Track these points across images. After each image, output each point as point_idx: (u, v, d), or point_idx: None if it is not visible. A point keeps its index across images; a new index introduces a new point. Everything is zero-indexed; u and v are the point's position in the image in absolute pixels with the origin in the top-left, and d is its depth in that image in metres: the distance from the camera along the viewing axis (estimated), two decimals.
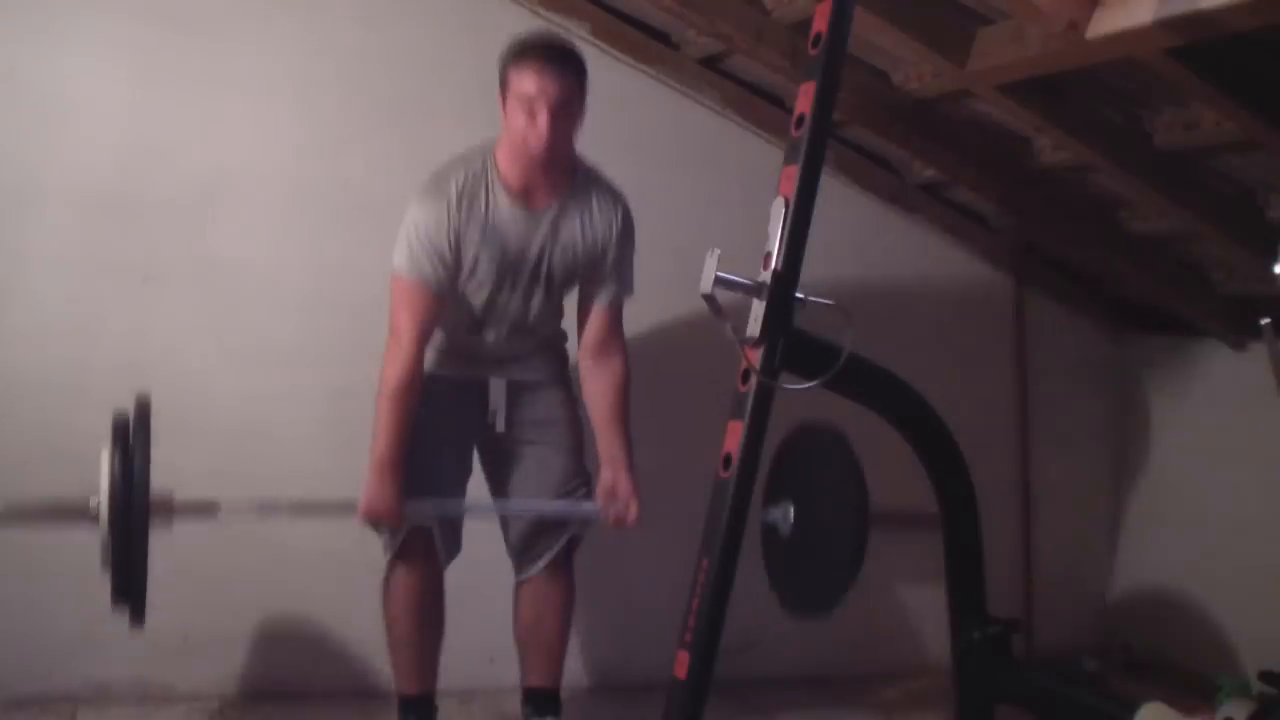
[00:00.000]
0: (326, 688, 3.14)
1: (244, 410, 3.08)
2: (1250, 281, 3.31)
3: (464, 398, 2.69)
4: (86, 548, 2.90)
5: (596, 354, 2.69)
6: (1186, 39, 2.16)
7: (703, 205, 3.39)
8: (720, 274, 1.78)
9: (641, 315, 2.94)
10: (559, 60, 2.47)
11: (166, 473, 2.98)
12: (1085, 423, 3.97)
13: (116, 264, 3.00)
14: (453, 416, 2.68)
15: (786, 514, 2.59)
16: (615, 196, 2.67)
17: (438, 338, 2.68)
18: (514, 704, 2.91)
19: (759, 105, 3.44)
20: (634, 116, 3.37)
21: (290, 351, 3.12)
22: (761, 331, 1.83)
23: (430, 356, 2.66)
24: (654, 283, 3.10)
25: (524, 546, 2.73)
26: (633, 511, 2.65)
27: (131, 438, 2.21)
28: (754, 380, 1.87)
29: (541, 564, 2.72)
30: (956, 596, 2.31)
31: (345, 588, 3.15)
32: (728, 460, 1.88)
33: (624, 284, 2.70)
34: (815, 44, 1.89)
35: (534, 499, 2.70)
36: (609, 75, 3.33)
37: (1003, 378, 3.87)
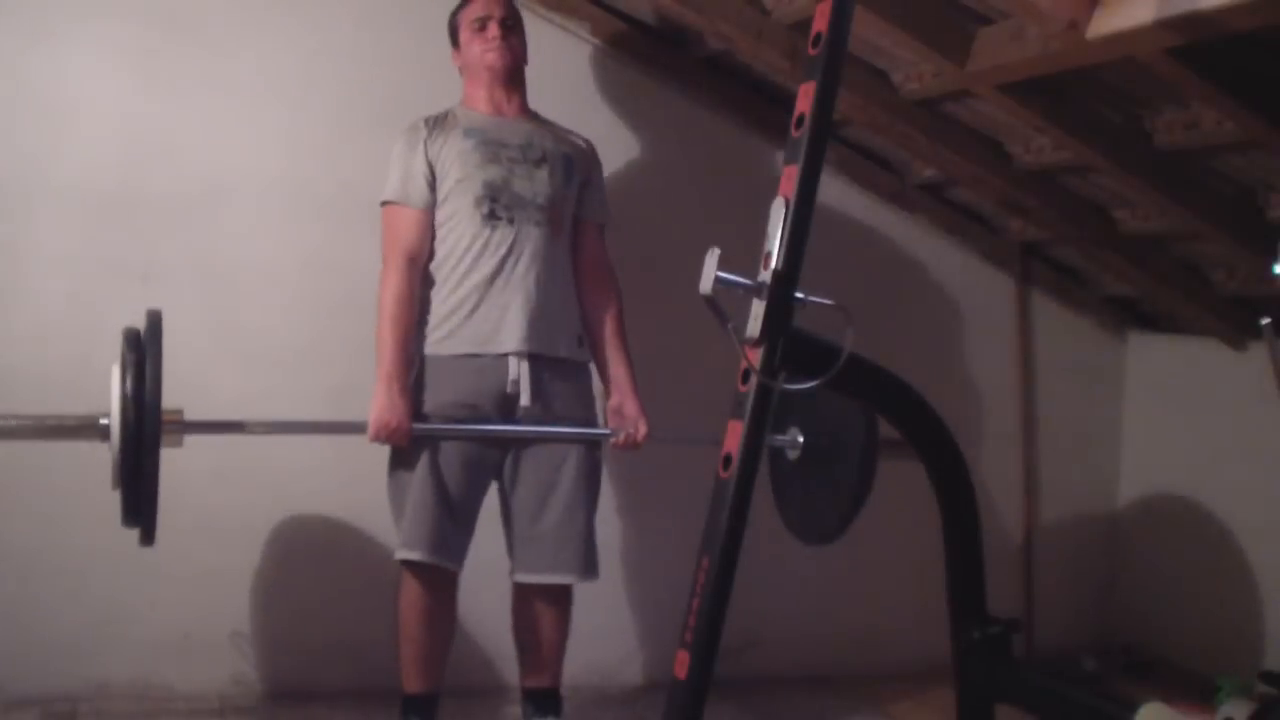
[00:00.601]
0: (327, 687, 3.14)
1: (243, 408, 3.06)
2: (1250, 281, 3.31)
3: (481, 386, 2.64)
4: (86, 548, 2.92)
5: (591, 277, 2.81)
6: (1186, 39, 2.16)
7: (703, 205, 3.39)
8: (720, 274, 1.78)
9: (642, 315, 2.94)
10: None
11: (166, 471, 3.01)
12: (1085, 423, 3.98)
13: (116, 264, 3.00)
14: (471, 397, 2.64)
15: (794, 439, 2.60)
16: (576, 133, 2.89)
17: (449, 295, 2.66)
18: (514, 704, 2.92)
19: (759, 105, 3.44)
20: (634, 116, 3.37)
21: (290, 351, 3.12)
22: (761, 331, 1.83)
23: (443, 331, 2.65)
24: (654, 283, 3.11)
25: (527, 552, 2.71)
26: (642, 430, 2.73)
27: (142, 351, 2.18)
28: (754, 380, 1.86)
29: (541, 581, 2.71)
30: (956, 596, 2.31)
31: (346, 588, 3.16)
32: (727, 460, 1.88)
33: (605, 205, 2.88)
34: (815, 44, 1.88)
35: (548, 430, 2.67)
36: (609, 75, 3.34)
37: (1003, 377, 3.87)
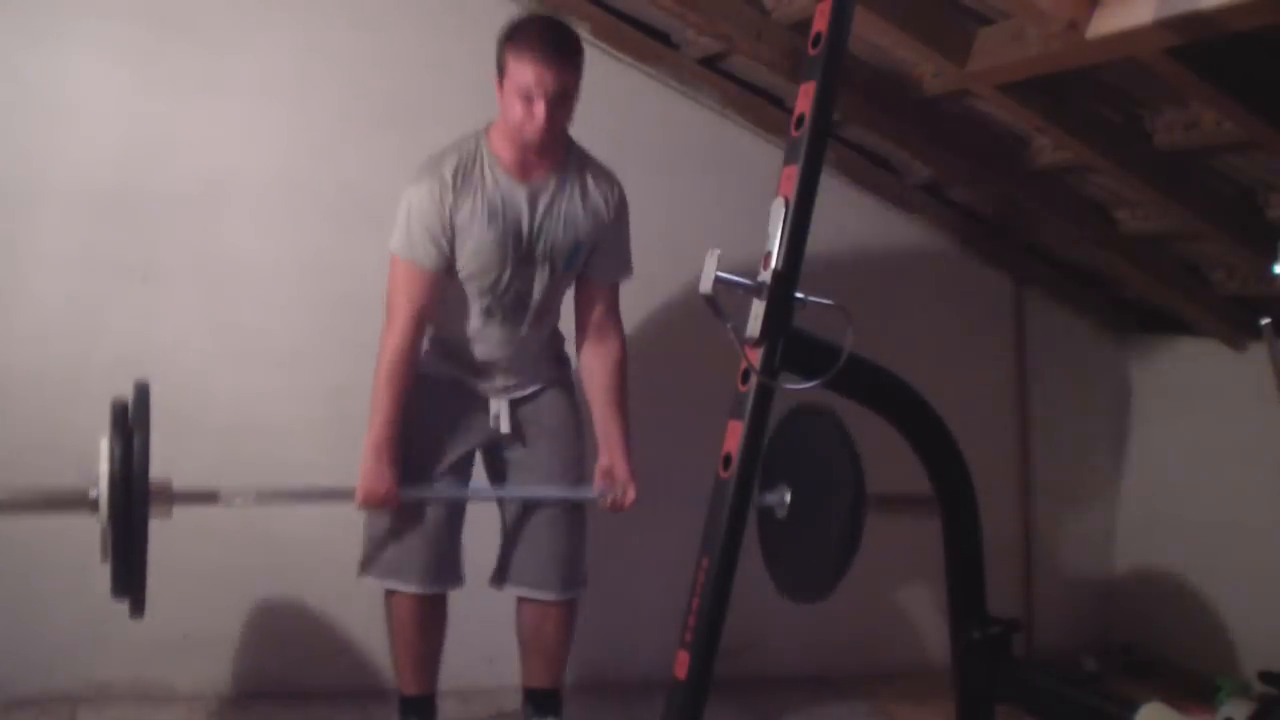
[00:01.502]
0: (327, 687, 3.14)
1: (243, 408, 3.08)
2: (1250, 281, 3.31)
3: (466, 402, 2.68)
4: (85, 547, 2.91)
5: (594, 334, 2.69)
6: (1186, 39, 2.16)
7: (703, 205, 3.39)
8: (720, 274, 1.78)
9: (642, 315, 2.94)
10: (556, 52, 2.42)
11: (167, 474, 3.01)
12: (1085, 423, 3.98)
13: (116, 263, 3.00)
14: (455, 417, 2.66)
15: (782, 498, 2.60)
16: (609, 176, 2.66)
17: (438, 343, 2.69)
18: (514, 704, 2.92)
19: (759, 105, 3.44)
20: (634, 116, 3.37)
21: (288, 349, 3.12)
22: (761, 331, 1.83)
23: (431, 361, 2.67)
24: (654, 283, 3.11)
25: (514, 564, 2.71)
26: (630, 495, 2.65)
27: (130, 425, 2.20)
28: (754, 380, 1.86)
29: (526, 596, 2.71)
30: (956, 596, 2.31)
31: (346, 587, 3.15)
32: (728, 460, 1.88)
33: (622, 264, 2.70)
34: (815, 44, 1.89)
35: (533, 492, 2.67)
36: (609, 75, 3.34)
37: (1003, 377, 3.87)
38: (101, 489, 2.16)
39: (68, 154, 2.98)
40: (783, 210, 1.83)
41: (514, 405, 2.70)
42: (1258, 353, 3.47)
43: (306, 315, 3.13)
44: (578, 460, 2.74)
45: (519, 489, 2.67)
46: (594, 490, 2.67)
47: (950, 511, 2.28)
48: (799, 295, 1.85)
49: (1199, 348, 3.69)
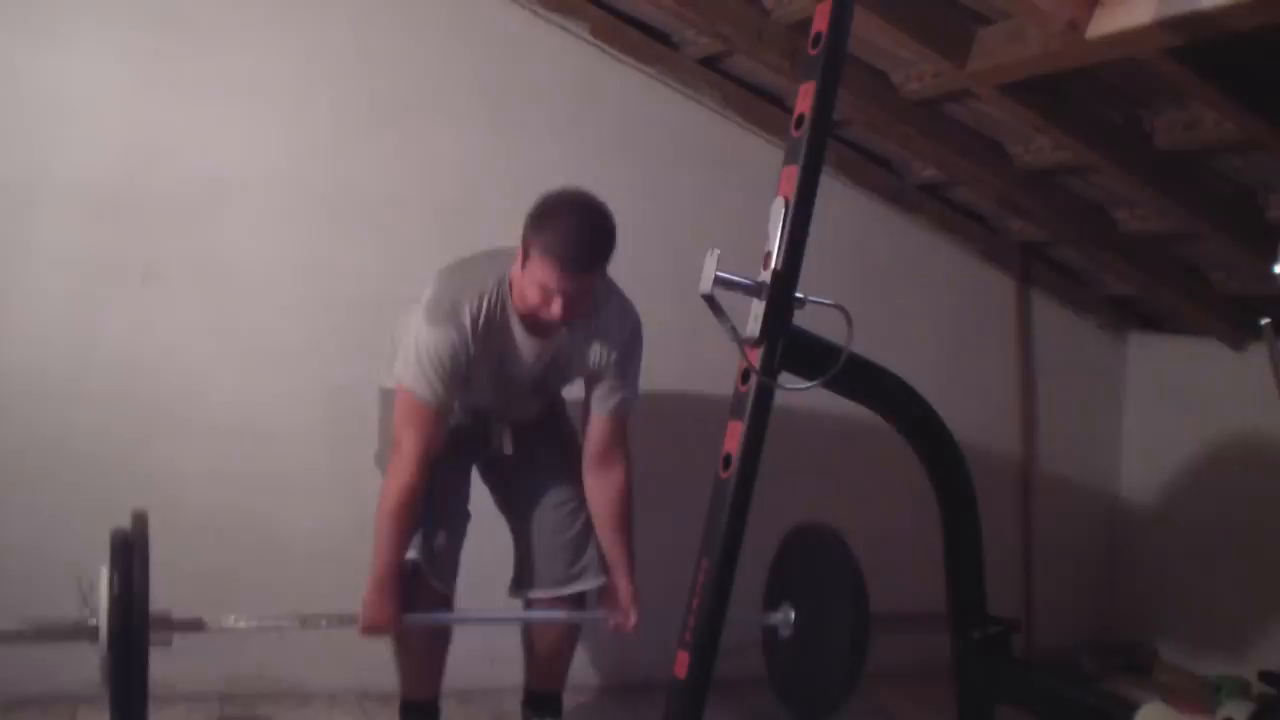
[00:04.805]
0: (327, 688, 3.14)
1: (243, 409, 3.08)
2: (1250, 281, 3.32)
3: (467, 430, 2.68)
4: (86, 546, 2.91)
5: (598, 462, 2.62)
6: (1186, 39, 2.16)
7: (703, 205, 3.39)
8: (720, 274, 1.78)
9: (642, 316, 2.92)
10: (586, 260, 2.34)
11: (166, 471, 3.01)
12: (1085, 423, 3.98)
13: (116, 264, 3.00)
14: (454, 438, 2.64)
15: (787, 617, 2.64)
16: (624, 315, 2.56)
17: None
18: (514, 704, 2.92)
19: (759, 105, 3.44)
20: (634, 116, 3.37)
21: (288, 350, 3.12)
22: (761, 331, 1.84)
23: None
24: (654, 283, 3.10)
25: (536, 572, 2.71)
26: (631, 619, 2.64)
27: (130, 554, 2.24)
28: (754, 380, 1.87)
29: (550, 595, 2.70)
30: (956, 596, 2.31)
31: (347, 586, 3.15)
32: (728, 460, 1.89)
33: (628, 394, 2.61)
34: (815, 44, 1.89)
35: (536, 615, 2.74)
36: (609, 75, 3.34)
37: (1003, 377, 3.87)
38: (101, 619, 2.21)
39: (68, 154, 2.97)
40: (783, 210, 1.84)
41: (514, 426, 2.70)
42: (1258, 353, 3.47)
43: (306, 315, 3.13)
44: (577, 450, 2.71)
45: (522, 613, 2.75)
46: (600, 613, 2.69)
47: (950, 511, 2.28)
48: (799, 295, 1.85)
49: (1199, 347, 3.69)
